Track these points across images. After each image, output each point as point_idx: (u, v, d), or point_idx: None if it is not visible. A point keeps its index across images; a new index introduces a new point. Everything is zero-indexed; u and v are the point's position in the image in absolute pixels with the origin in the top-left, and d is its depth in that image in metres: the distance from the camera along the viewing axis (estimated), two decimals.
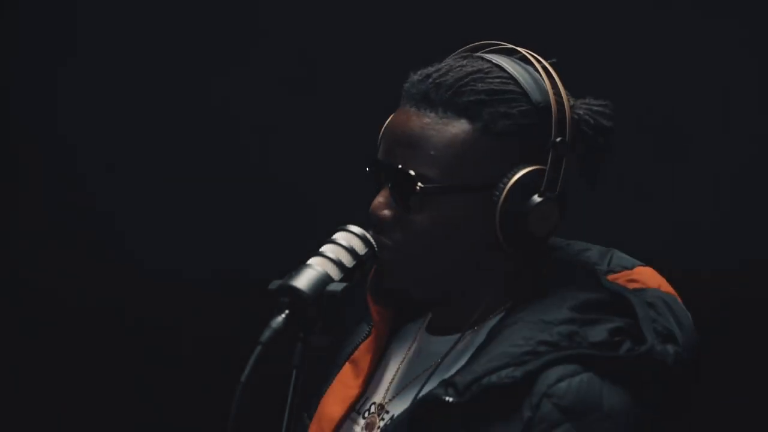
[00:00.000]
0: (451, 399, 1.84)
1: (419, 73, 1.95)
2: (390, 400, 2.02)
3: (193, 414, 3.32)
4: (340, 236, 1.96)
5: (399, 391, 2.02)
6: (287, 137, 3.32)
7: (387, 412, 2.01)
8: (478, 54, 1.98)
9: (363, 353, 2.08)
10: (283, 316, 1.83)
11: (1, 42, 3.42)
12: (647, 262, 2.04)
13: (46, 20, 3.39)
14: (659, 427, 1.87)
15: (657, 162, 2.90)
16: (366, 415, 2.04)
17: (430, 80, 1.92)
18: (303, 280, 1.86)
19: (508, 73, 1.93)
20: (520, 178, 1.89)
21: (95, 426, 3.43)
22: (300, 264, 1.89)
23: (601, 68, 2.91)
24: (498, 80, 1.92)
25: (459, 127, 1.91)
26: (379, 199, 1.95)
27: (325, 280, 1.87)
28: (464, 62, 1.95)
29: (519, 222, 1.90)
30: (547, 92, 1.92)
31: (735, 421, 2.91)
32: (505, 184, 1.89)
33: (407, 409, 1.90)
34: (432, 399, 1.86)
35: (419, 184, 1.90)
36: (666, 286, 1.97)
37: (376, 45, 3.22)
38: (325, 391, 2.10)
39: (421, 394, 1.91)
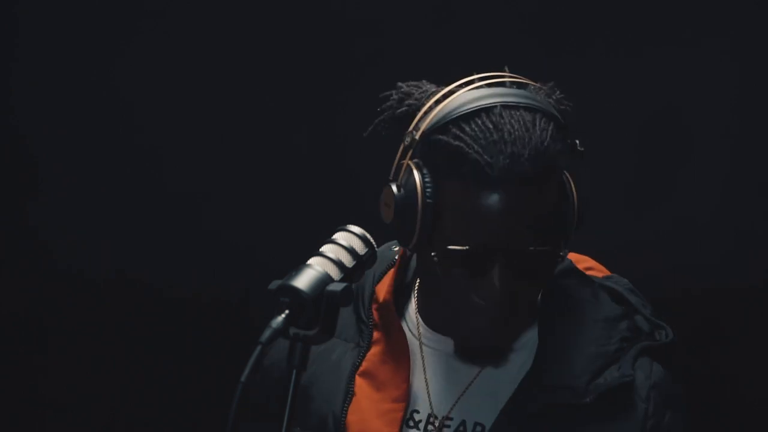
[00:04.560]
0: (571, 402, 1.93)
1: (496, 151, 1.90)
2: (451, 407, 2.03)
3: (193, 414, 3.32)
4: (340, 236, 1.96)
5: (456, 397, 2.03)
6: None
7: (450, 419, 2.02)
8: (500, 100, 1.94)
9: (377, 365, 2.06)
10: (283, 316, 1.83)
11: None
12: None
13: None
14: None
15: (664, 163, 2.90)
16: (428, 427, 2.03)
17: (522, 158, 1.89)
18: (303, 280, 1.86)
19: (543, 110, 1.94)
20: None
21: (95, 426, 3.43)
22: (300, 264, 1.89)
23: (604, 68, 2.91)
24: (550, 126, 1.94)
25: (555, 188, 1.94)
26: (503, 281, 1.93)
27: (325, 280, 1.87)
28: (515, 121, 1.92)
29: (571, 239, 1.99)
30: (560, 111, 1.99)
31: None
32: (577, 216, 1.96)
33: (512, 419, 1.96)
34: (547, 405, 1.94)
35: (560, 257, 1.95)
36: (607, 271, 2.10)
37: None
38: (346, 410, 2.05)
39: (511, 400, 1.97)
